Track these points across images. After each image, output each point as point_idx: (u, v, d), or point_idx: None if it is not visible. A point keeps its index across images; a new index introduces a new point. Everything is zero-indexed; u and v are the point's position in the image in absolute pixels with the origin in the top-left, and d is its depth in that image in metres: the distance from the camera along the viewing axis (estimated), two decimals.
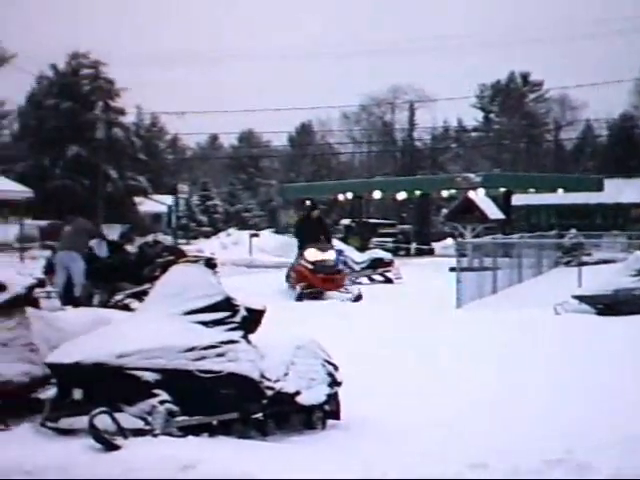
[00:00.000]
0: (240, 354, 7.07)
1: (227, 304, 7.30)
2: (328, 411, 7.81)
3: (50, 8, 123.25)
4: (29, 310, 7.97)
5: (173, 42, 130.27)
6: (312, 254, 19.84)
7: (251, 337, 7.41)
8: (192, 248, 35.04)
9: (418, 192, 48.95)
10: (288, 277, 21.24)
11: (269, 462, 5.78)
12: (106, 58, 61.78)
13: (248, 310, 7.38)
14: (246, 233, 45.25)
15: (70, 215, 17.87)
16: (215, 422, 6.96)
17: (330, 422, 7.82)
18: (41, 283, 9.13)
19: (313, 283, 19.54)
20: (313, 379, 7.69)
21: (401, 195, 50.27)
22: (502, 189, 44.05)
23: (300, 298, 18.99)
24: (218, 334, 7.10)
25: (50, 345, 7.53)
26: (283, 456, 6.05)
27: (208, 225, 74.94)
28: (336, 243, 24.10)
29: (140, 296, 16.03)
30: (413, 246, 47.17)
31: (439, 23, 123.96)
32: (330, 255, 20.10)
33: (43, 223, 45.05)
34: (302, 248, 20.35)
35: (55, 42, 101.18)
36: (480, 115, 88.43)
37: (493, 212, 42.48)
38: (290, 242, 42.53)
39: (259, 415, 7.16)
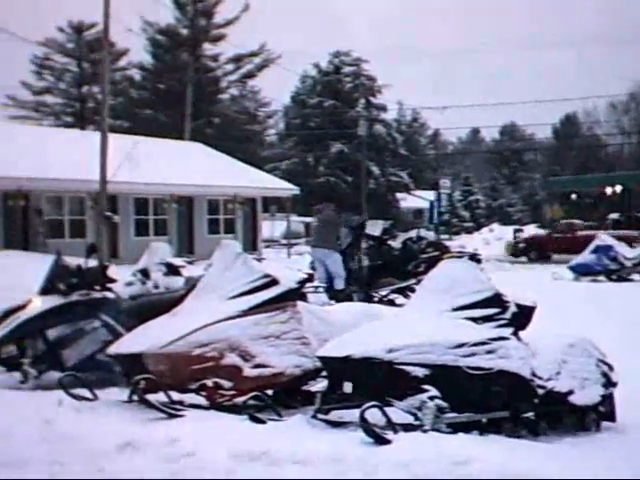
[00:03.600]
0: (511, 351, 6.91)
1: (497, 300, 7.15)
2: (602, 412, 7.51)
3: (312, 8, 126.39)
4: (300, 304, 8.15)
5: (431, 36, 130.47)
6: None
7: (520, 334, 7.23)
8: (454, 244, 34.92)
9: None
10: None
11: (544, 463, 5.58)
12: (367, 55, 62.77)
13: (518, 306, 7.21)
14: (509, 228, 44.59)
15: (318, 205, 18.05)
16: (485, 420, 6.84)
17: (605, 424, 7.50)
18: (310, 278, 9.33)
19: None
20: (586, 379, 7.41)
21: None
22: None
23: None
24: (488, 331, 6.97)
25: (320, 339, 7.66)
26: (557, 457, 5.84)
27: (470, 220, 74.50)
28: (605, 238, 23.27)
29: (405, 291, 16.13)
30: None
31: None
32: None
33: (308, 219, 46.33)
34: None
35: (318, 41, 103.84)
36: None
37: None
38: None
39: (530, 414, 6.97)
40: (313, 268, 16.88)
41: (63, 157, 32.14)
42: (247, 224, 41.18)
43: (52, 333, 9.47)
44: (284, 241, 44.18)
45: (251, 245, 38.15)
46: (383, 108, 63.14)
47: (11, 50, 58.75)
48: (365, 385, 6.66)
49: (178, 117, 56.19)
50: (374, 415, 6.29)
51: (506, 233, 43.16)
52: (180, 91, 57.17)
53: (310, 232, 19.07)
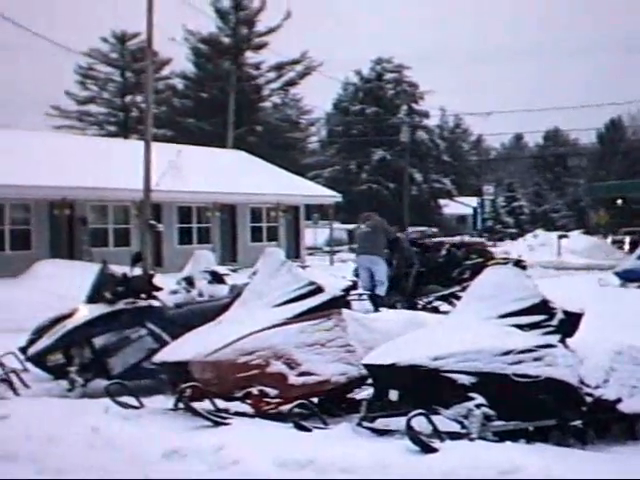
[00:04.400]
0: (558, 359, 6.84)
1: (543, 307, 7.09)
2: None
3: (354, 15, 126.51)
4: (345, 312, 8.14)
5: (474, 41, 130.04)
6: None
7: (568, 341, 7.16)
8: (498, 250, 34.71)
9: None
10: None
11: (594, 473, 5.52)
12: (409, 61, 62.76)
13: (565, 313, 7.13)
14: (554, 234, 44.27)
15: (366, 213, 18.00)
16: (532, 428, 6.78)
17: None
18: (354, 285, 9.32)
19: None
20: (635, 386, 7.32)
21: None
22: None
23: None
24: (534, 338, 6.91)
25: (365, 346, 7.64)
26: (608, 468, 5.76)
27: (514, 226, 74.01)
28: None
29: (449, 298, 16.06)
30: None
31: None
32: None
33: (351, 227, 46.31)
34: None
35: (359, 48, 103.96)
36: None
37: None
38: (601, 244, 41.09)
39: (578, 423, 6.89)
40: (357, 275, 16.86)
41: (107, 166, 32.40)
42: (290, 232, 41.24)
43: (98, 341, 9.55)
44: (327, 249, 44.20)
45: (294, 253, 38.18)
46: (425, 114, 63.14)
47: (56, 61, 59.62)
48: (411, 393, 6.64)
49: (221, 125, 56.48)
50: (420, 423, 6.25)
51: (550, 239, 42.80)
52: (222, 99, 57.45)
53: (354, 239, 18.94)
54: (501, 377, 6.62)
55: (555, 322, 7.07)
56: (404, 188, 52.69)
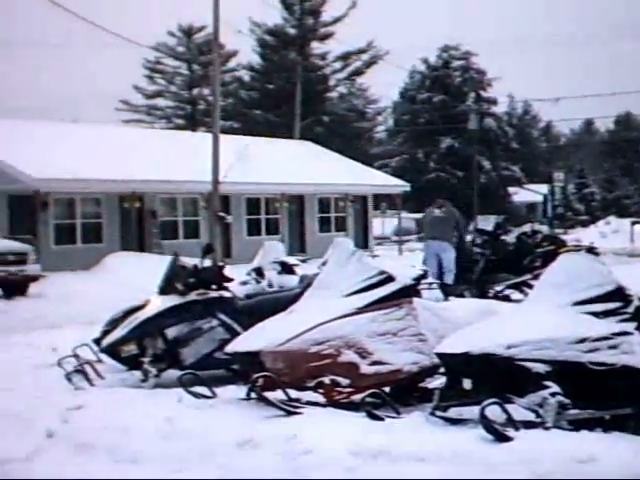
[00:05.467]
0: (634, 346, 6.69)
1: (619, 294, 6.96)
2: None
3: (419, 3, 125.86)
4: (416, 300, 8.10)
5: (541, 25, 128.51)
6: None
7: None
8: (569, 237, 34.31)
9: None
10: None
11: None
12: (476, 48, 62.22)
13: None
14: (626, 221, 43.62)
15: (439, 199, 17.81)
16: (608, 417, 6.66)
17: None
18: (424, 274, 9.27)
19: None
20: None
21: None
22: None
23: None
24: (610, 325, 6.78)
25: (437, 335, 7.60)
26: None
27: (585, 213, 73.09)
28: None
29: (520, 287, 15.89)
30: None
31: None
32: None
33: (419, 216, 46.12)
34: None
35: (426, 36, 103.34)
36: None
37: None
38: None
39: None
40: (425, 264, 16.74)
41: (176, 159, 32.72)
42: (358, 222, 41.21)
43: (171, 332, 9.63)
44: (395, 238, 44.07)
45: (362, 243, 38.13)
46: (493, 101, 62.56)
47: (124, 55, 60.28)
48: (484, 382, 6.57)
49: (287, 116, 56.63)
50: (494, 412, 6.20)
51: (623, 226, 42.17)
52: (289, 90, 57.58)
53: (423, 225, 18.74)
54: (576, 365, 6.52)
55: (631, 309, 6.94)
56: (472, 176, 52.25)
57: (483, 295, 15.51)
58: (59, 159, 29.02)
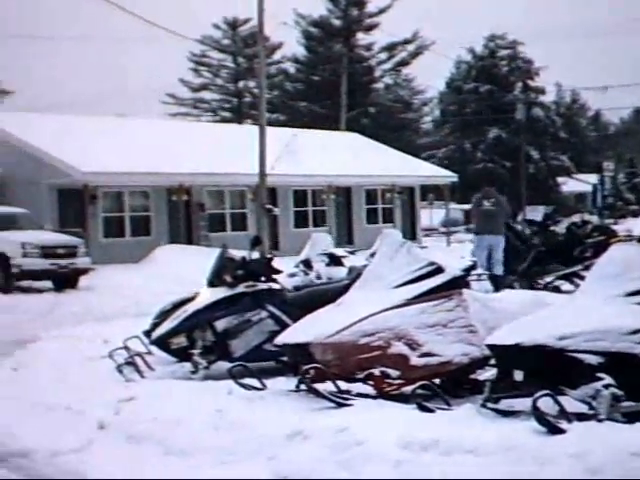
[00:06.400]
0: None
1: None
2: None
3: None
4: (466, 292, 8.04)
5: (589, 13, 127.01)
6: None
7: None
8: (620, 227, 33.91)
9: None
10: None
11: None
12: (523, 37, 61.70)
13: None
14: None
15: (487, 188, 17.56)
16: None
17: None
18: (474, 266, 9.21)
19: None
20: None
21: None
22: None
23: None
24: None
25: (487, 327, 7.53)
26: None
27: (635, 203, 72.15)
28: None
29: (571, 278, 15.73)
30: None
31: None
32: None
33: (467, 206, 45.90)
34: None
35: (472, 25, 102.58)
36: None
37: None
38: None
39: None
40: (474, 255, 16.64)
41: (222, 152, 32.85)
42: (405, 213, 41.12)
43: (220, 324, 9.65)
44: (443, 229, 43.91)
45: (410, 234, 38.03)
46: (541, 91, 62.00)
47: (170, 49, 60.49)
48: (536, 373, 6.50)
49: (333, 108, 56.61)
50: (546, 404, 6.13)
51: None
52: (334, 82, 57.54)
53: (473, 217, 18.48)
54: (630, 357, 6.43)
55: None
56: (520, 167, 51.88)
57: (533, 286, 15.38)
58: (108, 153, 29.27)
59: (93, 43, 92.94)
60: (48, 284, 22.79)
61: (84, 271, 23.05)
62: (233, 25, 63.70)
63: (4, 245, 22.11)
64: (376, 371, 7.52)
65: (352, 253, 15.59)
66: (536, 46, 78.02)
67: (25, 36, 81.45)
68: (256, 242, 10.87)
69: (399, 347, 7.57)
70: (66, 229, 25.68)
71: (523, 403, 6.46)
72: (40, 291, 22.18)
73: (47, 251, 22.25)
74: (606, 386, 6.29)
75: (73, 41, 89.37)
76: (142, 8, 28.82)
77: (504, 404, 6.76)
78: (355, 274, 9.94)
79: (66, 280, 22.66)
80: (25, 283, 22.51)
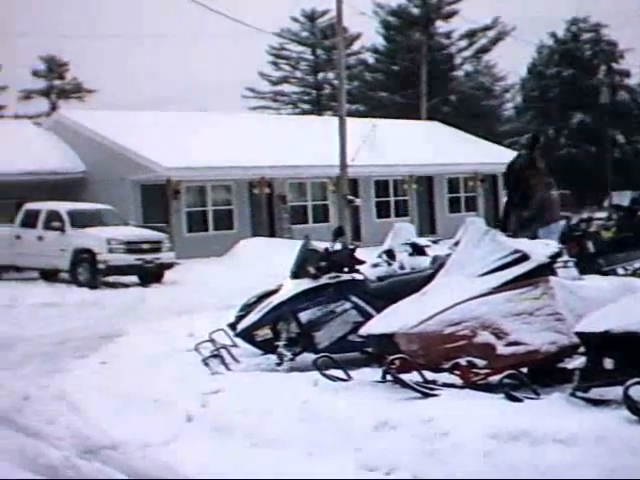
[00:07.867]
0: None
1: None
2: None
3: None
4: (552, 279, 7.90)
5: None
6: None
7: None
8: None
9: None
10: None
11: None
12: (606, 19, 60.53)
13: None
14: None
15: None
16: None
17: None
18: (560, 252, 9.02)
19: None
20: None
21: None
22: None
23: None
24: None
25: (575, 314, 7.39)
26: None
27: None
28: None
29: None
30: None
31: None
32: None
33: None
34: None
35: (553, 9, 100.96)
36: None
37: None
38: None
39: None
40: (562, 242, 16.35)
41: (303, 144, 32.93)
42: (488, 201, 40.72)
43: (304, 316, 9.65)
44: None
45: (493, 222, 37.62)
46: (626, 74, 60.78)
47: (249, 43, 60.81)
48: (627, 361, 6.35)
49: (413, 97, 56.29)
50: (638, 392, 5.99)
51: None
52: (414, 71, 57.21)
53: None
54: None
55: None
56: (606, 151, 50.94)
57: (617, 272, 15.06)
58: (190, 148, 29.58)
59: (173, 40, 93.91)
60: (134, 279, 23.13)
61: (169, 266, 23.33)
62: (311, 17, 63.79)
63: (90, 241, 22.51)
64: (462, 361, 7.44)
65: (435, 242, 15.43)
66: (621, 28, 76.54)
67: (108, 35, 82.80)
68: (339, 233, 10.84)
69: (485, 336, 7.48)
70: (150, 224, 26.04)
71: (614, 392, 6.33)
72: (126, 286, 22.52)
73: (132, 247, 22.57)
74: None
75: (153, 39, 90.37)
76: (220, 3, 28.99)
77: (594, 393, 6.63)
78: (438, 263, 9.85)
79: (151, 275, 22.97)
80: (111, 278, 22.87)
